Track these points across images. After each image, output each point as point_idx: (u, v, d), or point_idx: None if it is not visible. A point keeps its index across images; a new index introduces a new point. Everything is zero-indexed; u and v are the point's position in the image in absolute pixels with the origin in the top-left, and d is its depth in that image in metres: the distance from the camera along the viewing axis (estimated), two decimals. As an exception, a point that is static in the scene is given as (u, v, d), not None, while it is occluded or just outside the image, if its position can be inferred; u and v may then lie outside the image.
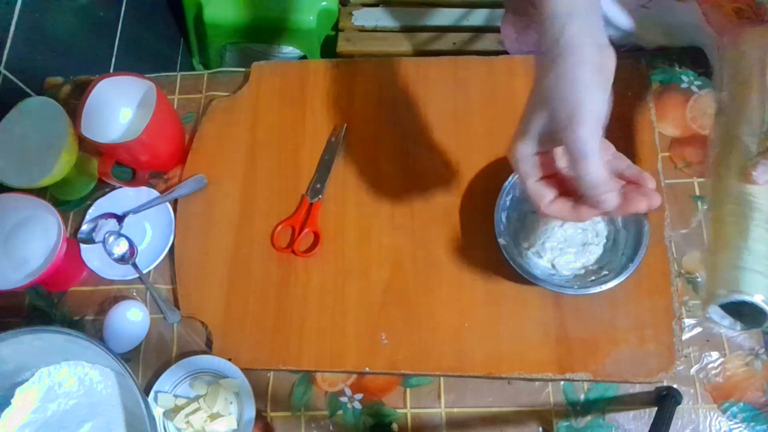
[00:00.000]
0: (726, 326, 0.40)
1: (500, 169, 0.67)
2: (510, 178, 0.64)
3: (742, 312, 0.39)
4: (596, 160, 0.41)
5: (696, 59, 0.73)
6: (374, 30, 1.26)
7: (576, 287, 0.60)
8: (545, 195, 0.46)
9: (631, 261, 0.59)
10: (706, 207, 0.68)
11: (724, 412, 0.61)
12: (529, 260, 0.64)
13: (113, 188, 0.75)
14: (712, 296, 0.40)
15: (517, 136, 0.46)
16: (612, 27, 0.76)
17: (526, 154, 0.46)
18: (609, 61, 0.43)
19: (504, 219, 0.64)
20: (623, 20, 0.74)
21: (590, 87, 0.41)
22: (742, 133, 0.46)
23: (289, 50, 1.41)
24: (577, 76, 0.41)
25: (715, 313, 0.40)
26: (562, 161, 0.46)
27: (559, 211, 0.46)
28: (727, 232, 0.43)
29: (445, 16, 1.26)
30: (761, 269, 0.38)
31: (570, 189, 0.46)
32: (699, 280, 0.66)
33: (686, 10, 0.68)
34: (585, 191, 0.43)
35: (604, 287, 0.59)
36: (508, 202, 0.65)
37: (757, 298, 0.37)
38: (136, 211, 0.72)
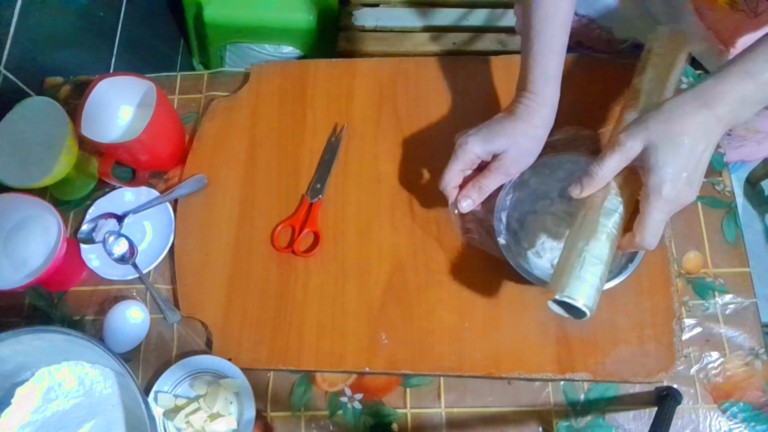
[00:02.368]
0: (557, 313, 0.53)
1: (500, 169, 0.67)
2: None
3: (569, 306, 0.51)
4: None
5: (695, 59, 0.73)
6: (374, 30, 1.26)
7: None
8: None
9: (631, 261, 0.59)
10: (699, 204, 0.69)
11: (724, 412, 0.61)
12: (529, 260, 0.64)
13: (113, 188, 0.75)
14: (552, 292, 0.52)
15: (472, 139, 0.60)
16: (602, 12, 0.77)
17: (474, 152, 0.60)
18: None
19: (504, 219, 0.64)
20: (612, 6, 0.76)
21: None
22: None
23: (289, 50, 1.41)
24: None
25: (552, 305, 0.53)
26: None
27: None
28: (578, 233, 0.54)
29: (445, 16, 1.26)
30: (588, 278, 0.51)
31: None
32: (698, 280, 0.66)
33: (679, 4, 0.68)
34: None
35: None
36: (508, 202, 0.65)
37: (579, 303, 0.50)
38: (136, 211, 0.72)
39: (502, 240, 0.62)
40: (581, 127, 0.70)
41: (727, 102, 0.48)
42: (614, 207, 0.54)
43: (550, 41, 0.58)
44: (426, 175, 0.72)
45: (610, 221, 0.53)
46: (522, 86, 0.60)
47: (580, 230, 0.54)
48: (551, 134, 0.61)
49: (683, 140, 0.48)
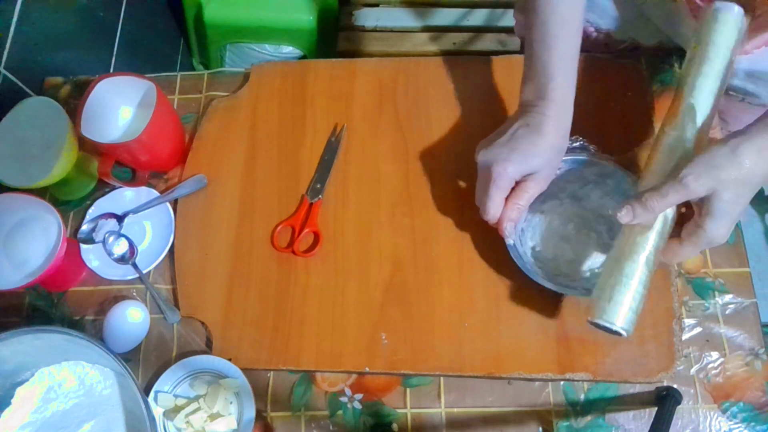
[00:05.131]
0: (601, 329, 0.54)
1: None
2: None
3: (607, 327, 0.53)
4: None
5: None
6: (374, 30, 1.26)
7: (580, 289, 0.60)
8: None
9: None
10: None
11: (724, 412, 0.61)
12: (535, 260, 0.64)
13: (113, 188, 0.75)
14: (592, 315, 0.54)
15: (510, 165, 0.58)
16: (600, 15, 0.77)
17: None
18: None
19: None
20: (610, 9, 0.76)
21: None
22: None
23: (289, 50, 1.41)
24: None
25: (592, 323, 0.54)
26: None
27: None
28: (620, 255, 0.54)
29: (445, 16, 1.26)
30: (627, 302, 0.53)
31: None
32: (699, 280, 0.66)
33: (677, 8, 0.68)
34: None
35: None
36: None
37: (617, 326, 0.53)
38: (136, 211, 0.72)
39: (510, 241, 0.62)
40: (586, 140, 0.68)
41: None
42: (660, 230, 0.54)
43: (569, 47, 0.58)
44: (427, 175, 0.72)
45: (655, 245, 0.53)
46: (540, 95, 0.58)
47: (623, 253, 0.54)
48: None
49: (748, 191, 0.49)
